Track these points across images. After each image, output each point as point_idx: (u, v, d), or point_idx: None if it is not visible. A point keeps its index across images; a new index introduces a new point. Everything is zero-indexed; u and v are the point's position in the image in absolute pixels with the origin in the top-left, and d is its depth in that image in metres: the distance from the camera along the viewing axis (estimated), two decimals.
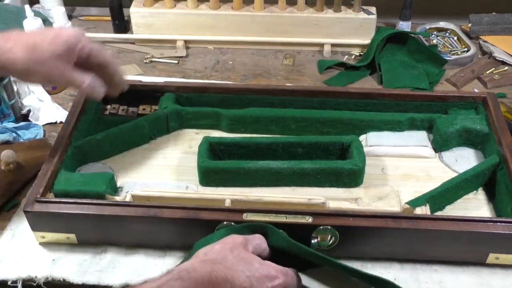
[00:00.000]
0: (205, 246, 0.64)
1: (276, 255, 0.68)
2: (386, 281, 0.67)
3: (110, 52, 0.74)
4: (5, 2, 1.23)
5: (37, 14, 1.12)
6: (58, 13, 1.13)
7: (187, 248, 0.74)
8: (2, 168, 0.88)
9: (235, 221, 0.70)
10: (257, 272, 0.61)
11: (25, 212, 0.72)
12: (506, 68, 1.14)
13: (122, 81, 0.80)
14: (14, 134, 0.94)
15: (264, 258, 0.65)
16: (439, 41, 1.20)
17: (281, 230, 0.69)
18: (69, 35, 0.71)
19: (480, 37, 1.21)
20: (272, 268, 0.63)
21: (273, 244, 0.68)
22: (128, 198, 0.76)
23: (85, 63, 0.73)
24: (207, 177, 0.82)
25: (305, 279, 0.71)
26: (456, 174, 0.83)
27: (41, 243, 0.77)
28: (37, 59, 0.69)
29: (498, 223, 0.70)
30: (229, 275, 0.59)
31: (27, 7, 1.03)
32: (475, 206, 0.80)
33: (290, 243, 0.67)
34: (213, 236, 0.69)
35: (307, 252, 0.67)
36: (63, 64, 0.70)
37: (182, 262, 0.68)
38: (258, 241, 0.67)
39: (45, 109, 1.02)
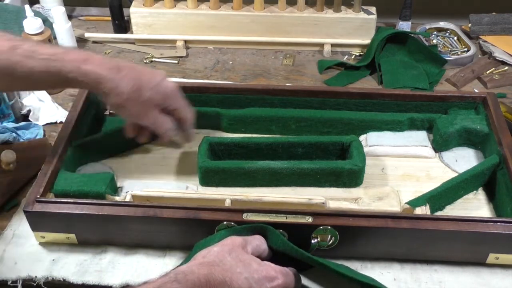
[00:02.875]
0: (204, 249, 0.64)
1: (275, 255, 0.68)
2: None
3: (190, 113, 0.81)
4: (5, 2, 1.23)
5: (37, 14, 1.12)
6: (58, 13, 1.13)
7: (187, 248, 0.74)
8: (2, 168, 0.88)
9: (235, 221, 0.70)
10: (256, 273, 0.61)
11: (25, 212, 0.72)
12: (506, 68, 1.14)
13: (190, 138, 0.84)
14: (14, 134, 0.94)
15: (264, 259, 0.65)
16: (439, 41, 1.20)
17: (281, 230, 0.69)
18: (169, 88, 0.76)
19: (480, 37, 1.21)
20: (271, 268, 0.62)
21: (272, 246, 0.68)
22: (128, 198, 0.76)
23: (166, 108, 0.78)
24: (207, 177, 0.82)
25: (305, 279, 0.71)
26: (456, 174, 0.83)
27: (41, 243, 0.77)
28: (135, 99, 0.73)
29: (498, 223, 0.70)
30: (227, 277, 0.59)
31: (27, 7, 1.03)
32: (475, 206, 0.80)
33: (288, 246, 0.67)
34: (213, 237, 0.69)
35: (305, 256, 0.67)
36: (153, 108, 0.75)
37: (181, 264, 0.68)
38: (258, 242, 0.67)
39: (45, 109, 1.02)
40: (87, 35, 1.23)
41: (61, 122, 0.99)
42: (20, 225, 0.79)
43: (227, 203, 0.74)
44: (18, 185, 0.86)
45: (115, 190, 0.80)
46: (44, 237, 0.76)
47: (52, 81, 0.71)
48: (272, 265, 0.63)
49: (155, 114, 0.76)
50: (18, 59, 0.68)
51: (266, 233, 0.69)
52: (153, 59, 1.18)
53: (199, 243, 0.69)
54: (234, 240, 0.65)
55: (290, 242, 0.68)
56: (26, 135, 0.96)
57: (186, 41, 1.21)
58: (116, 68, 0.71)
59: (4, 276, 0.73)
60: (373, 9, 1.18)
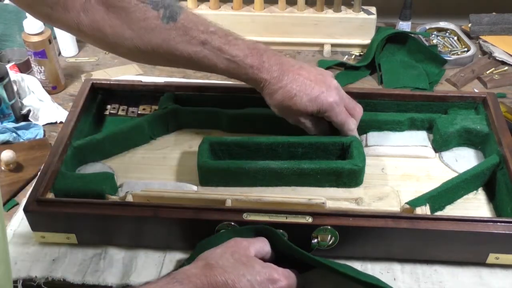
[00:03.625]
0: (207, 249, 0.64)
1: (278, 256, 0.68)
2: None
3: (348, 127, 0.83)
4: (5, 2, 1.23)
5: None
6: None
7: (187, 248, 0.75)
8: (2, 168, 0.88)
9: (235, 221, 0.70)
10: (259, 276, 0.61)
11: (25, 212, 0.72)
12: (506, 68, 1.14)
13: None
14: (14, 134, 0.94)
15: (267, 261, 0.65)
16: (439, 41, 1.20)
17: (281, 230, 0.69)
18: (326, 103, 0.78)
19: (480, 37, 1.21)
20: (274, 271, 0.62)
21: (275, 247, 0.68)
22: (128, 198, 0.76)
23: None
24: (207, 177, 0.82)
25: (306, 280, 0.71)
26: (456, 174, 0.83)
27: (41, 243, 0.77)
28: (288, 106, 0.79)
29: (498, 223, 0.70)
30: (230, 279, 0.59)
31: None
32: (475, 206, 0.80)
33: (292, 248, 0.67)
34: (216, 238, 0.69)
35: (309, 257, 0.67)
36: (304, 116, 0.81)
37: (183, 264, 0.68)
38: (261, 244, 0.67)
39: (45, 109, 1.02)
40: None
41: (61, 122, 1.00)
42: (20, 225, 0.79)
43: (227, 203, 0.74)
44: (18, 185, 0.86)
45: (115, 190, 0.80)
46: (44, 237, 0.75)
47: (226, 74, 0.80)
48: (275, 267, 0.63)
49: (304, 121, 0.81)
50: (205, 54, 0.77)
51: (269, 234, 0.69)
52: None
53: (202, 243, 0.69)
54: (238, 242, 0.65)
55: (293, 244, 0.68)
56: (26, 135, 0.96)
57: None
58: (281, 76, 0.78)
59: None
60: (373, 9, 1.18)
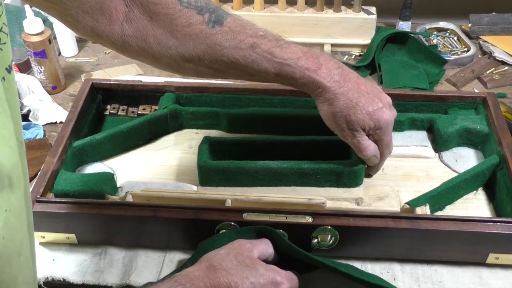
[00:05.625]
0: (210, 251, 0.64)
1: (281, 258, 0.68)
2: None
3: (389, 150, 0.79)
4: (5, 2, 1.23)
5: (37, 14, 1.12)
6: None
7: (187, 248, 0.75)
8: None
9: (235, 221, 0.70)
10: (262, 278, 0.60)
11: None
12: (506, 68, 1.14)
13: (373, 173, 0.84)
14: None
15: (270, 263, 0.64)
16: (439, 41, 1.20)
17: (281, 230, 0.69)
18: (382, 119, 0.74)
19: (480, 37, 1.21)
20: (277, 273, 0.62)
21: (278, 249, 0.68)
22: (128, 198, 0.76)
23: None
24: (207, 177, 0.82)
25: (307, 281, 0.71)
26: (456, 174, 0.83)
27: (41, 243, 0.77)
28: (343, 116, 0.73)
29: (498, 223, 0.70)
30: (233, 282, 0.58)
31: (27, 7, 1.03)
32: (475, 206, 0.80)
33: (294, 249, 0.67)
34: (217, 238, 0.69)
35: (312, 258, 0.67)
36: (358, 130, 0.74)
37: (185, 264, 0.68)
38: (265, 246, 0.67)
39: (45, 109, 1.02)
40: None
41: (61, 122, 0.99)
42: None
43: (227, 203, 0.74)
44: None
45: (115, 190, 0.80)
46: (44, 237, 0.76)
47: (278, 80, 0.74)
48: (278, 269, 0.63)
49: (359, 136, 0.75)
50: (255, 58, 0.70)
51: (270, 235, 0.69)
52: None
53: (203, 244, 0.69)
54: (241, 244, 0.64)
55: (293, 244, 0.68)
56: (26, 135, 0.96)
57: None
58: (342, 81, 0.72)
59: None
60: (373, 9, 1.18)
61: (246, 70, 0.72)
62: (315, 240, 0.71)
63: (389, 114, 0.75)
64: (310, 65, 0.71)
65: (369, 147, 0.76)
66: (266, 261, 0.65)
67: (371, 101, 0.73)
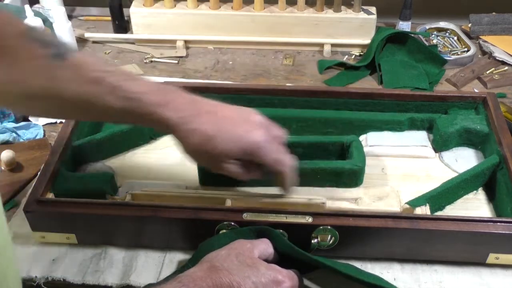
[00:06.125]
0: (211, 252, 0.64)
1: (281, 258, 0.68)
2: None
3: (289, 164, 0.71)
4: (5, 2, 1.23)
5: (37, 14, 1.12)
6: (58, 13, 1.13)
7: (187, 248, 0.75)
8: (2, 168, 0.88)
9: (235, 221, 0.70)
10: (263, 277, 0.61)
11: (25, 212, 0.72)
12: (506, 68, 1.14)
13: (288, 192, 0.76)
14: (14, 134, 0.94)
15: (270, 262, 0.65)
16: (439, 41, 1.20)
17: (281, 230, 0.69)
18: (252, 143, 0.67)
19: (480, 37, 1.21)
20: (278, 272, 0.62)
21: (278, 249, 0.68)
22: (128, 198, 0.76)
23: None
24: (207, 177, 0.82)
25: (307, 280, 0.71)
26: (456, 174, 0.83)
27: (41, 243, 0.77)
28: (205, 152, 0.67)
29: (498, 223, 0.70)
30: (235, 282, 0.59)
31: (27, 7, 1.03)
32: (475, 206, 0.80)
33: (294, 249, 0.67)
34: (217, 239, 0.69)
35: (312, 259, 0.67)
36: (226, 161, 0.68)
37: (186, 265, 0.68)
38: (265, 245, 0.67)
39: None
40: (87, 35, 1.24)
41: (61, 122, 0.99)
42: (20, 225, 0.79)
43: (227, 203, 0.74)
44: (18, 185, 0.86)
45: (115, 190, 0.80)
46: (44, 237, 0.75)
47: (126, 119, 0.68)
48: (279, 268, 0.63)
49: (228, 166, 0.68)
50: (98, 93, 0.64)
51: (271, 236, 0.69)
52: (153, 59, 1.18)
53: (203, 244, 0.69)
54: (242, 244, 0.65)
55: (293, 244, 0.68)
56: (26, 135, 0.96)
57: (186, 41, 1.21)
58: (194, 116, 0.66)
59: None
60: (373, 9, 1.18)
61: (88, 108, 0.65)
62: (315, 240, 0.71)
63: (260, 134, 0.67)
64: (158, 100, 0.65)
65: (243, 174, 0.71)
66: (266, 260, 0.65)
67: (234, 127, 0.67)
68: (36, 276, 0.72)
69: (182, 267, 0.69)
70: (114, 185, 0.79)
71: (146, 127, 0.69)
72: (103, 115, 0.67)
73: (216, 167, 0.69)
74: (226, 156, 0.67)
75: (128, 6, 1.21)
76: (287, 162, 0.71)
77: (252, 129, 0.67)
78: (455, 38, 1.21)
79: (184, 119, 0.66)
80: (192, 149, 0.67)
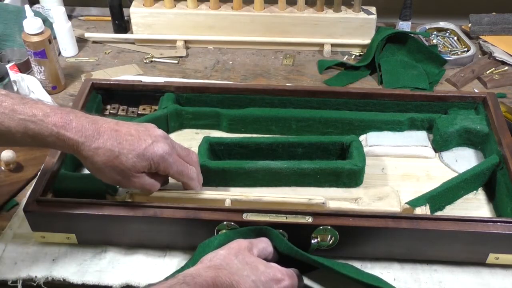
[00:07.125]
0: (210, 251, 0.64)
1: (281, 257, 0.68)
2: None
3: (188, 176, 0.74)
4: (5, 2, 1.23)
5: (37, 14, 1.12)
6: (58, 13, 1.13)
7: (187, 248, 0.75)
8: (2, 168, 0.88)
9: (235, 221, 0.70)
10: (263, 276, 0.61)
11: (25, 212, 0.72)
12: (506, 68, 1.14)
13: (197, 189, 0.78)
14: None
15: (270, 261, 0.65)
16: (439, 41, 1.20)
17: (280, 230, 0.69)
18: (155, 156, 0.69)
19: (480, 37, 1.21)
20: (278, 271, 0.63)
21: (277, 248, 0.68)
22: (128, 198, 0.76)
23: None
24: (207, 177, 0.82)
25: (307, 280, 0.71)
26: (456, 174, 0.83)
27: (41, 243, 0.77)
28: (112, 168, 0.68)
29: (498, 223, 0.70)
30: (234, 281, 0.59)
31: (27, 7, 1.03)
32: (475, 206, 0.80)
33: (293, 249, 0.67)
34: (217, 239, 0.69)
35: (311, 259, 0.67)
36: (134, 175, 0.69)
37: (186, 265, 0.68)
38: (264, 244, 0.67)
39: None
40: (87, 35, 1.24)
41: None
42: (20, 225, 0.79)
43: (227, 203, 0.74)
44: (18, 185, 0.86)
45: (115, 190, 0.80)
46: (44, 237, 0.76)
47: (29, 142, 0.67)
48: (279, 267, 0.64)
49: (137, 180, 0.70)
50: None
51: (271, 236, 0.69)
52: (153, 59, 1.18)
53: (203, 244, 0.69)
54: (241, 243, 0.65)
55: (294, 245, 0.68)
56: None
57: (186, 41, 1.21)
58: (96, 134, 0.67)
59: (4, 276, 0.73)
60: (373, 9, 1.18)
61: None
62: (315, 240, 0.71)
63: (162, 146, 0.69)
64: (58, 121, 0.65)
65: (153, 185, 0.72)
66: (266, 259, 0.65)
67: (137, 142, 0.68)
68: (36, 276, 0.72)
69: (182, 267, 0.69)
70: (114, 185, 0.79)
71: (53, 148, 0.70)
72: (6, 140, 0.67)
73: (126, 182, 0.70)
74: (134, 170, 0.69)
75: (128, 6, 1.21)
76: (190, 173, 0.73)
77: (154, 142, 0.69)
78: (455, 38, 1.21)
79: (87, 138, 0.66)
80: (98, 167, 0.68)
